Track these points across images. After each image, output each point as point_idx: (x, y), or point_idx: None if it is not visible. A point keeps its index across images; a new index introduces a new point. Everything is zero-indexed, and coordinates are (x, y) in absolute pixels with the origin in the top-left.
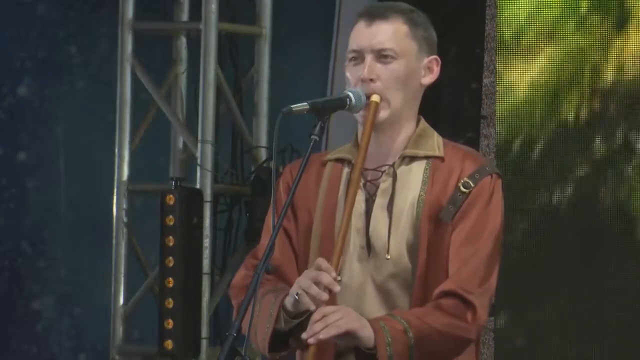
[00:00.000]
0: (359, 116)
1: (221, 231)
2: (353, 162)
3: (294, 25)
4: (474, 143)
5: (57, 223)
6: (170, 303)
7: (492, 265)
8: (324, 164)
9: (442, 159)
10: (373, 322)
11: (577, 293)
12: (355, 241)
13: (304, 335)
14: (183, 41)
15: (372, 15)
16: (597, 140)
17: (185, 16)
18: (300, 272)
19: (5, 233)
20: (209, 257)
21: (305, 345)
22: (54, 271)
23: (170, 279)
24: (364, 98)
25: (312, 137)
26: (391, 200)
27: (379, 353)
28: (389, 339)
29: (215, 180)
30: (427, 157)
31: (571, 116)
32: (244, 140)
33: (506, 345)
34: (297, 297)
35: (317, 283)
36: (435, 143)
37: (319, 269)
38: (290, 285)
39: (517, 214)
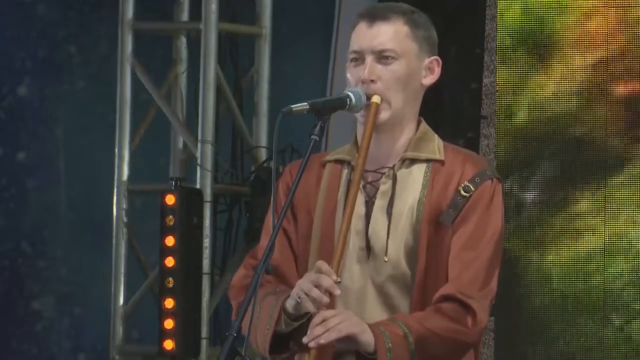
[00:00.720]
0: (359, 116)
1: (221, 231)
2: (353, 163)
3: (294, 25)
4: (474, 143)
5: (57, 223)
6: (170, 303)
7: (493, 269)
8: (323, 165)
9: (442, 162)
10: (373, 327)
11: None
12: (354, 243)
13: (304, 340)
14: (183, 41)
15: (373, 16)
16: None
17: (185, 16)
18: (299, 273)
19: (5, 233)
20: (209, 257)
21: (305, 348)
22: (53, 271)
23: (170, 279)
24: (364, 98)
25: (312, 137)
26: (391, 202)
27: (380, 358)
28: (390, 344)
29: (215, 180)
30: (427, 160)
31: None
32: (244, 140)
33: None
34: (298, 300)
35: (318, 286)
36: (435, 146)
37: (320, 271)
38: (290, 286)
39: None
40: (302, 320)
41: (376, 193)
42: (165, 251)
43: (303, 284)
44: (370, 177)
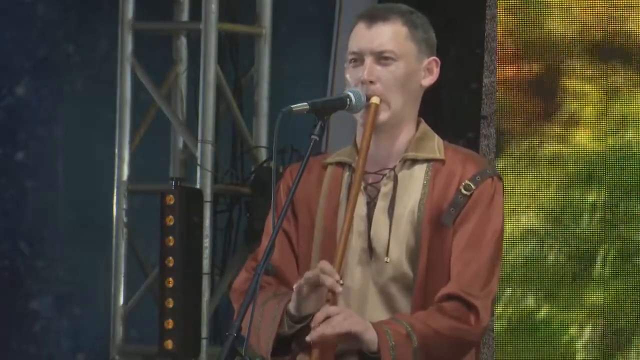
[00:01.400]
0: (358, 117)
1: (221, 231)
2: (353, 165)
3: (294, 25)
4: (474, 143)
5: (56, 223)
6: (170, 303)
7: (494, 267)
8: (324, 167)
9: (442, 162)
10: (376, 326)
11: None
12: (357, 244)
13: (308, 338)
14: (183, 41)
15: (372, 17)
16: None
17: (185, 16)
18: (300, 274)
19: (4, 233)
20: (209, 257)
21: (307, 349)
22: (52, 271)
23: (170, 279)
24: (364, 98)
25: (312, 137)
26: (392, 203)
27: (382, 357)
28: (393, 343)
29: (215, 180)
30: (427, 160)
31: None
32: (244, 140)
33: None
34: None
35: (321, 284)
36: (435, 146)
37: (322, 271)
38: (291, 287)
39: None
40: (304, 322)
41: (377, 194)
42: (165, 251)
43: (306, 275)
44: (371, 179)
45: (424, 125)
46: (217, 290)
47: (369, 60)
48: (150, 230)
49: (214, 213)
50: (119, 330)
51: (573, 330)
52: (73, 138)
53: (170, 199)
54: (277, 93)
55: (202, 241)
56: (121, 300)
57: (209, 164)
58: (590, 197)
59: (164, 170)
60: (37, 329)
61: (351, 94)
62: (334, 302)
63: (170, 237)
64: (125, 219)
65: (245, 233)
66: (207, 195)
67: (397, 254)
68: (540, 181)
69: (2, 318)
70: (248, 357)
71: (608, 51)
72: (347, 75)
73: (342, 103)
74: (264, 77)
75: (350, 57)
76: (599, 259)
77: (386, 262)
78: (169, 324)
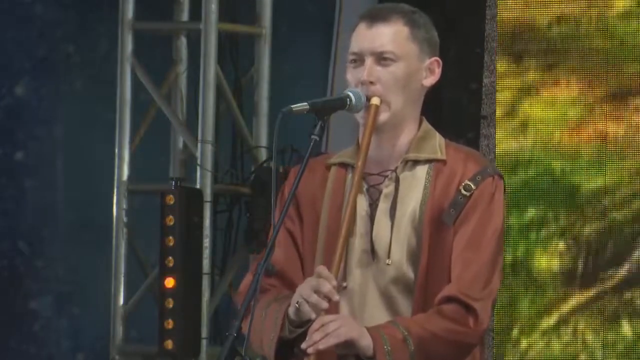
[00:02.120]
0: (359, 117)
1: (221, 231)
2: (355, 166)
3: (294, 25)
4: (474, 143)
5: (56, 223)
6: (170, 303)
7: (494, 267)
8: (328, 168)
9: (444, 162)
10: (372, 331)
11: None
12: (358, 246)
13: (303, 345)
14: (183, 41)
15: (373, 17)
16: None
17: (185, 16)
18: (305, 275)
19: (3, 233)
20: (209, 257)
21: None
22: (52, 271)
23: (170, 279)
24: (364, 98)
25: (312, 137)
26: (393, 205)
27: None
28: (389, 348)
29: (215, 180)
30: (429, 161)
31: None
32: (244, 140)
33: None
34: (297, 306)
35: (317, 291)
36: (437, 145)
37: (320, 277)
38: (295, 288)
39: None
40: (305, 327)
41: (379, 196)
42: (165, 251)
43: (302, 290)
44: (373, 181)
45: (426, 125)
46: (217, 290)
47: (369, 60)
48: (150, 230)
49: (214, 213)
50: (119, 330)
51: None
52: (73, 138)
53: (170, 199)
54: (277, 93)
55: (202, 241)
56: (121, 300)
57: (209, 164)
58: None
59: (164, 170)
60: (37, 329)
61: (351, 94)
62: (332, 307)
63: (170, 237)
64: (125, 219)
65: (245, 233)
66: (207, 195)
67: (399, 256)
68: None
69: (1, 318)
70: (248, 357)
71: None
72: (348, 76)
73: (342, 103)
74: (264, 77)
75: (350, 57)
76: None
77: (387, 264)
78: (169, 324)
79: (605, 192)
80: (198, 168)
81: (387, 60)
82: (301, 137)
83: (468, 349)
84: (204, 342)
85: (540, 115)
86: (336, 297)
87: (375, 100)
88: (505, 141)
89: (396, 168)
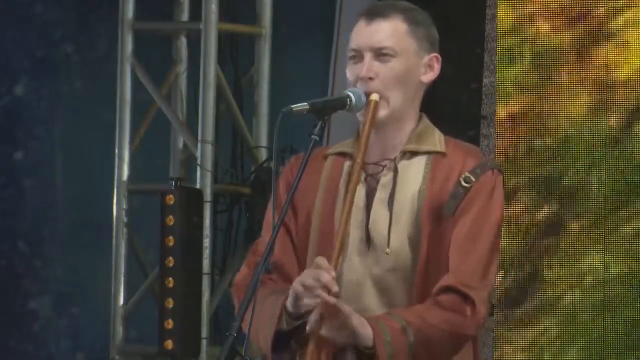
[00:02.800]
0: (359, 115)
1: (221, 231)
2: (354, 155)
3: (294, 25)
4: (474, 143)
5: (55, 223)
6: (170, 303)
7: (492, 260)
8: (324, 158)
9: (443, 154)
10: (371, 321)
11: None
12: (355, 235)
13: (308, 329)
14: (183, 41)
15: (372, 13)
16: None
17: (185, 16)
18: (300, 268)
19: (2, 233)
20: (209, 257)
21: (306, 345)
22: (51, 271)
23: (170, 279)
24: (364, 98)
25: (312, 137)
26: (392, 194)
27: (378, 351)
28: (388, 338)
29: (215, 180)
30: (428, 153)
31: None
32: (244, 140)
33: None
34: (295, 296)
35: (317, 282)
36: (436, 139)
37: (319, 267)
38: (292, 282)
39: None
40: (302, 319)
41: (377, 185)
42: (165, 251)
43: (301, 280)
44: (371, 170)
45: (425, 120)
46: (217, 290)
47: (368, 56)
48: (150, 230)
49: (214, 213)
50: (119, 330)
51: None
52: (72, 138)
53: (170, 199)
54: (277, 93)
55: (202, 241)
56: (121, 300)
57: (209, 164)
58: None
59: (164, 170)
60: (37, 329)
61: (351, 94)
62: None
63: (170, 237)
64: (125, 219)
65: (245, 233)
66: (207, 195)
67: (397, 245)
68: None
69: (1, 318)
70: (248, 357)
71: None
72: (348, 72)
73: (342, 103)
74: (264, 77)
75: (350, 53)
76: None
77: (387, 253)
78: (169, 324)
79: None
80: (198, 168)
81: (385, 56)
82: (301, 137)
83: (465, 339)
84: (204, 342)
85: None
86: (335, 288)
87: (374, 96)
88: None
89: (395, 158)
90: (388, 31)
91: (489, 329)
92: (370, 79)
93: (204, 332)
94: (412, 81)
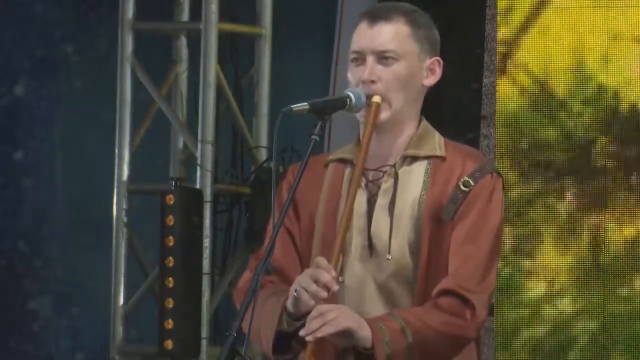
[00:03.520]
0: (359, 116)
1: (221, 231)
2: (355, 162)
3: (295, 25)
4: (474, 143)
5: (55, 223)
6: (170, 303)
7: (492, 263)
8: (326, 165)
9: (443, 158)
10: (370, 322)
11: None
12: (356, 241)
13: (301, 333)
14: (183, 41)
15: (374, 16)
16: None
17: (185, 16)
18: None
19: (2, 233)
20: (209, 257)
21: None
22: (51, 271)
23: (170, 279)
24: (364, 98)
25: (313, 137)
26: (392, 200)
27: (377, 352)
28: (387, 338)
29: (215, 180)
30: (428, 157)
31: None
32: (244, 140)
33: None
34: (296, 295)
35: (316, 281)
36: (436, 143)
37: (318, 267)
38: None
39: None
40: (303, 319)
41: (378, 191)
42: (165, 251)
43: (301, 280)
44: (371, 176)
45: (425, 123)
46: (217, 290)
47: (370, 59)
48: (150, 230)
49: (214, 213)
50: (119, 330)
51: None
52: (72, 138)
53: (170, 199)
54: (277, 93)
55: (202, 241)
56: (121, 300)
57: (209, 164)
58: None
59: (164, 170)
60: (36, 329)
61: (351, 94)
62: (331, 299)
63: (170, 237)
64: (125, 219)
65: (245, 233)
66: (207, 195)
67: (398, 251)
68: None
69: (1, 318)
70: (248, 357)
71: None
72: (349, 75)
73: (342, 103)
74: (264, 77)
75: (352, 56)
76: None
77: (387, 259)
78: (169, 324)
79: None
80: (198, 168)
81: (388, 59)
82: (301, 137)
83: (464, 342)
84: (204, 342)
85: None
86: (335, 287)
87: (376, 99)
88: None
89: (395, 164)
90: (391, 34)
91: (488, 328)
92: (373, 82)
93: (204, 332)
94: (414, 84)
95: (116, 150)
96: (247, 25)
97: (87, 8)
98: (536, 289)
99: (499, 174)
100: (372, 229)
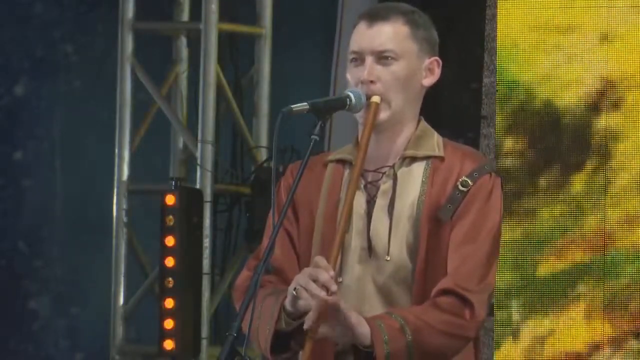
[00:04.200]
0: (359, 117)
1: (221, 231)
2: (354, 162)
3: (295, 25)
4: (474, 143)
5: (54, 223)
6: (170, 303)
7: (491, 262)
8: (325, 165)
9: (441, 158)
10: (369, 320)
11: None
12: (356, 243)
13: (305, 326)
14: (183, 41)
15: (373, 16)
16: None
17: (185, 16)
18: None
19: (2, 233)
20: (209, 257)
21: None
22: (50, 271)
23: (170, 279)
24: (364, 98)
25: (312, 137)
26: (391, 201)
27: (376, 350)
28: (386, 337)
29: (215, 180)
30: (427, 158)
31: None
32: (244, 140)
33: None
34: (295, 293)
35: (315, 280)
36: (435, 143)
37: (317, 266)
38: None
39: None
40: (301, 319)
41: (377, 192)
42: (165, 251)
43: (300, 279)
44: (370, 177)
45: (423, 124)
46: (217, 290)
47: (369, 59)
48: (150, 230)
49: (214, 213)
50: (119, 330)
51: None
52: (72, 138)
53: (170, 199)
54: (277, 93)
55: (202, 241)
56: (121, 300)
57: (209, 164)
58: None
59: (164, 170)
60: (36, 329)
61: (351, 94)
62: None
63: (170, 237)
64: (125, 219)
65: (245, 233)
66: (207, 195)
67: (398, 252)
68: None
69: (1, 318)
70: (248, 357)
71: None
72: (348, 75)
73: (342, 103)
74: (264, 77)
75: (351, 56)
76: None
77: (387, 260)
78: (169, 324)
79: None
80: (198, 168)
81: (387, 59)
82: (301, 137)
83: (464, 341)
84: (204, 342)
85: None
86: (334, 287)
87: (375, 99)
88: None
89: (394, 165)
90: (390, 34)
91: (488, 328)
92: (372, 82)
93: (204, 332)
94: (413, 85)
95: (116, 150)
96: (247, 25)
97: (87, 8)
98: None
99: (497, 173)
100: (371, 231)
